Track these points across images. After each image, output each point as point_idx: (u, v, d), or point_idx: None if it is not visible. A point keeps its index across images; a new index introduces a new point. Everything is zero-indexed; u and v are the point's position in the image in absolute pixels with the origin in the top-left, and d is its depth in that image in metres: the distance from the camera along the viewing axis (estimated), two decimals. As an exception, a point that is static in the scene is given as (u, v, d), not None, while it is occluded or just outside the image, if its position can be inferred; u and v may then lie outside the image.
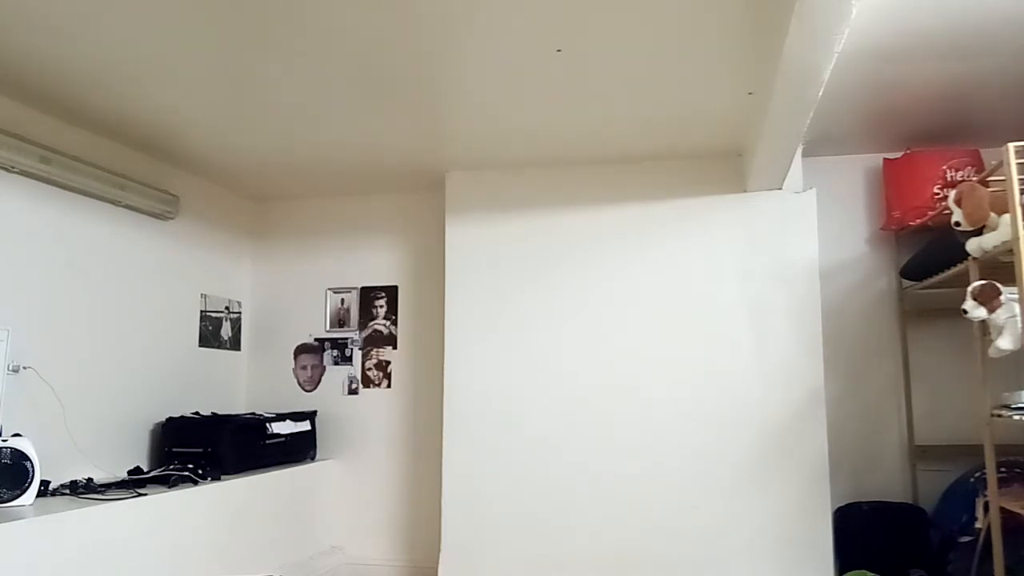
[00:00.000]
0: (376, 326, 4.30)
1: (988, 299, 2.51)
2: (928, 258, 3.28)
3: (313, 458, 4.10)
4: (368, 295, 4.33)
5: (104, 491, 2.80)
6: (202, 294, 4.03)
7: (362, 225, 4.39)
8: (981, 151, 3.46)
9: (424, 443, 4.07)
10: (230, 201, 4.32)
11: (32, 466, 2.58)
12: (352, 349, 4.30)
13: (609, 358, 3.61)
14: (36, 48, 2.50)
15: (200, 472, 3.20)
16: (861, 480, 3.61)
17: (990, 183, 2.64)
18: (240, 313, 4.38)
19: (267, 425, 3.75)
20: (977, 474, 3.14)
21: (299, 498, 3.82)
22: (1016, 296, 2.42)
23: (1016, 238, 2.37)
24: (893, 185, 3.60)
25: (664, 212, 3.65)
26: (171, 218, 3.74)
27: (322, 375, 4.32)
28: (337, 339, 4.33)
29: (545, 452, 3.61)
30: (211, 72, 2.72)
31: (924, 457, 3.57)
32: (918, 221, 3.41)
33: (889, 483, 3.60)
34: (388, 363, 4.25)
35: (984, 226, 2.61)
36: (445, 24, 2.36)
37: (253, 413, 3.98)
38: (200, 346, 3.99)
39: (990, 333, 2.55)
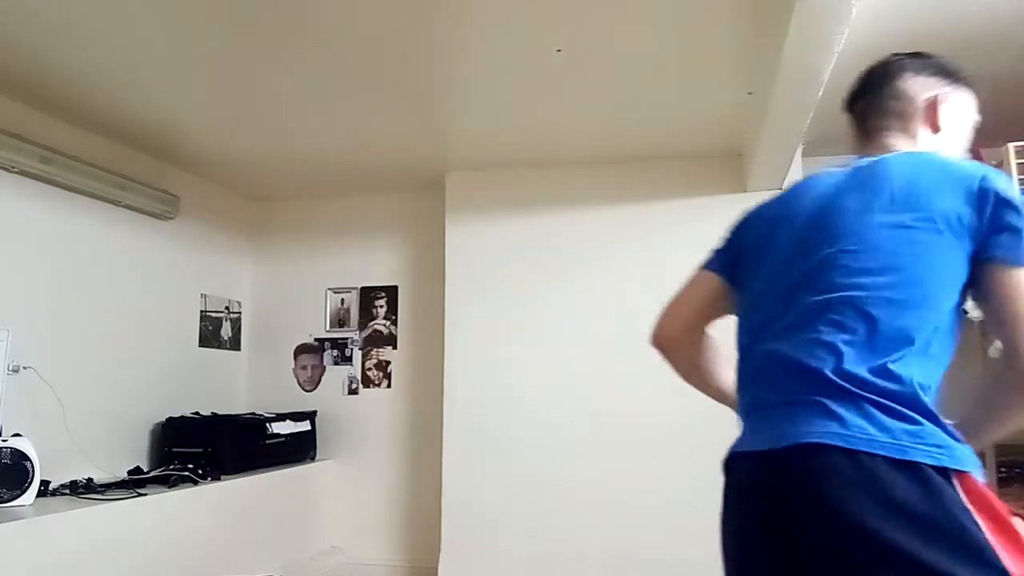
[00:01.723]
0: (376, 326, 4.30)
1: (988, 299, 2.51)
2: (928, 258, 3.27)
3: (313, 458, 4.10)
4: (368, 295, 4.32)
5: (104, 491, 2.80)
6: (202, 294, 4.03)
7: (362, 225, 4.38)
8: (981, 151, 3.45)
9: (424, 443, 4.06)
10: (230, 201, 4.31)
11: (32, 466, 2.57)
12: (352, 349, 4.30)
13: (609, 358, 3.60)
14: (37, 48, 2.50)
15: (200, 472, 3.20)
16: (861, 480, 3.60)
17: (990, 183, 2.64)
18: (240, 313, 4.38)
19: (267, 425, 3.75)
20: (977, 474, 3.13)
21: (299, 498, 3.83)
22: (1016, 296, 2.41)
23: (1016, 238, 2.36)
24: (893, 185, 3.59)
25: (664, 212, 3.65)
26: (171, 218, 3.74)
27: (322, 375, 4.32)
28: (337, 339, 4.32)
29: (545, 452, 3.61)
30: (211, 72, 2.72)
31: (924, 457, 3.56)
32: (918, 221, 3.40)
33: (889, 483, 3.59)
34: (388, 363, 4.25)
35: (984, 226, 2.60)
36: (445, 24, 2.37)
37: (253, 413, 3.98)
38: (200, 346, 3.99)
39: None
